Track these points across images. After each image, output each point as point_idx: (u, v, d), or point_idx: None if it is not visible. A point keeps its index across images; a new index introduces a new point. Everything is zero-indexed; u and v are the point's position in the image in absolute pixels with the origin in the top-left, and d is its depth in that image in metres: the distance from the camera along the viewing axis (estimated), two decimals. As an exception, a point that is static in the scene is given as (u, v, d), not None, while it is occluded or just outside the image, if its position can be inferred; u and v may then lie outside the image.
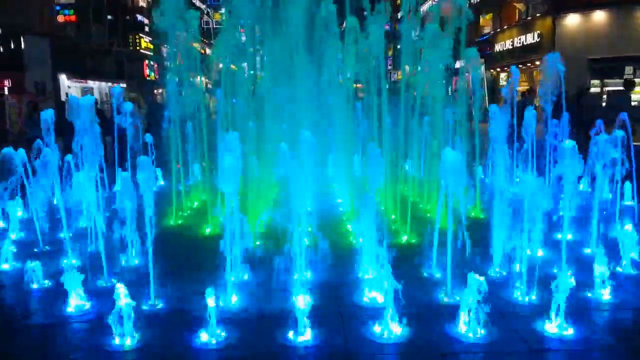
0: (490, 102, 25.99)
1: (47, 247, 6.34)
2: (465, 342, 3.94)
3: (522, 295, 4.66)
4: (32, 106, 14.38)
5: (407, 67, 7.99)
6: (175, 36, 7.75)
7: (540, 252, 5.39)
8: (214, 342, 3.96)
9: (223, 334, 4.04)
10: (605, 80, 25.10)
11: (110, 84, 34.65)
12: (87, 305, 4.57)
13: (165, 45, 8.12)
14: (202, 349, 3.91)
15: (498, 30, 31.50)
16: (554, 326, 4.05)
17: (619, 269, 5.26)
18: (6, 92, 23.67)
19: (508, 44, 29.54)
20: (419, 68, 7.99)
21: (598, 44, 23.16)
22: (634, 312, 4.58)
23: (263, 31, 8.68)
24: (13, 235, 6.69)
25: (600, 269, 4.67)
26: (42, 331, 4.28)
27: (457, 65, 8.26)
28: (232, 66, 7.83)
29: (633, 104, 19.72)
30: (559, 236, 5.71)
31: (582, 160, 4.58)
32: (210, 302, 3.92)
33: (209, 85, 10.58)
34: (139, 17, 40.18)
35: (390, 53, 36.60)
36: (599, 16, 23.71)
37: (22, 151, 6.63)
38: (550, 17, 24.80)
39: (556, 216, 5.70)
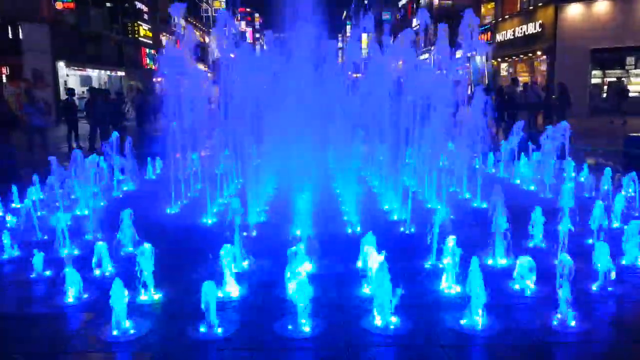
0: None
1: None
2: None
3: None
4: (24, 92, 14.49)
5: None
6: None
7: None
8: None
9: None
10: (607, 71, 25.03)
11: (109, 72, 34.49)
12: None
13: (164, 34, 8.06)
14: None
15: (500, 19, 31.30)
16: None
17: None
18: (4, 79, 23.57)
19: (509, 34, 29.37)
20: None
21: (600, 35, 23.03)
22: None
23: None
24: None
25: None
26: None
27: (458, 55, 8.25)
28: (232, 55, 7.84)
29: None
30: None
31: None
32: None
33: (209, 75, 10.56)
34: (138, 5, 39.82)
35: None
36: (601, 6, 23.56)
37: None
38: (553, 6, 24.63)
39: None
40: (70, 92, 16.80)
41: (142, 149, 10.39)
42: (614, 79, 24.73)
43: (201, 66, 9.21)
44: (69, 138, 15.20)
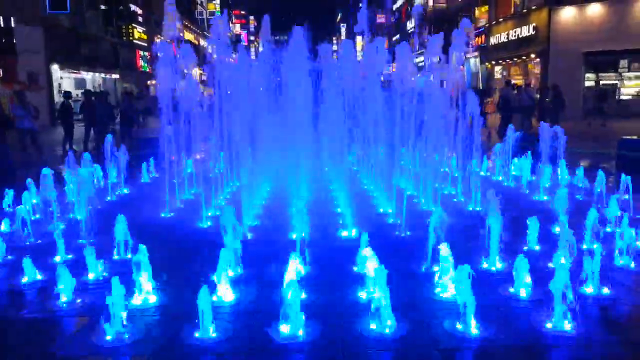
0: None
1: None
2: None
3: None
4: (15, 94, 14.54)
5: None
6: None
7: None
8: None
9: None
10: (600, 74, 25.19)
11: (103, 74, 34.36)
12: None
13: (158, 36, 8.06)
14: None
15: (493, 22, 31.45)
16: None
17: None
18: (-3, 81, 23.42)
19: (503, 37, 29.50)
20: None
21: (593, 38, 23.17)
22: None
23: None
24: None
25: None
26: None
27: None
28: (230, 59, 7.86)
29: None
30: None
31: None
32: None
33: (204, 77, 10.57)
34: (132, 7, 39.71)
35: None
36: (595, 9, 23.71)
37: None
38: (546, 9, 24.78)
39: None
40: (67, 95, 16.72)
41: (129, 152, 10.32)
42: (593, 83, 25.02)
43: (195, 69, 9.18)
44: (64, 141, 15.07)
